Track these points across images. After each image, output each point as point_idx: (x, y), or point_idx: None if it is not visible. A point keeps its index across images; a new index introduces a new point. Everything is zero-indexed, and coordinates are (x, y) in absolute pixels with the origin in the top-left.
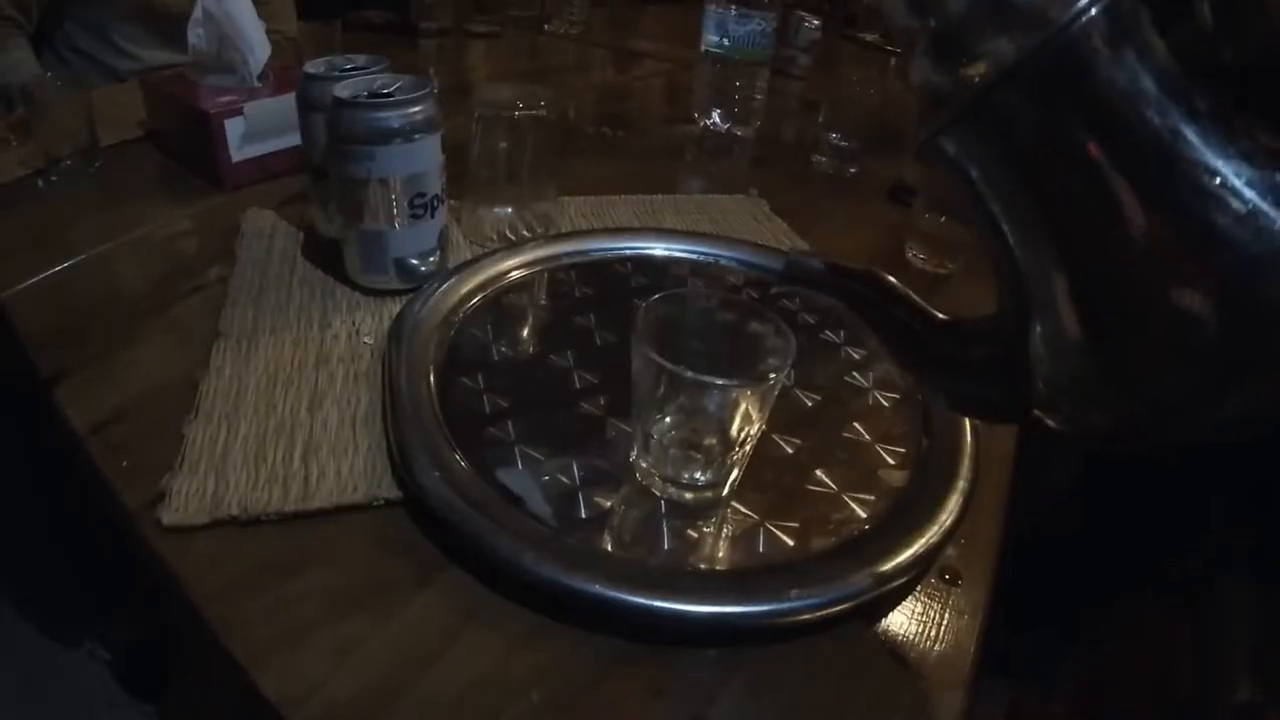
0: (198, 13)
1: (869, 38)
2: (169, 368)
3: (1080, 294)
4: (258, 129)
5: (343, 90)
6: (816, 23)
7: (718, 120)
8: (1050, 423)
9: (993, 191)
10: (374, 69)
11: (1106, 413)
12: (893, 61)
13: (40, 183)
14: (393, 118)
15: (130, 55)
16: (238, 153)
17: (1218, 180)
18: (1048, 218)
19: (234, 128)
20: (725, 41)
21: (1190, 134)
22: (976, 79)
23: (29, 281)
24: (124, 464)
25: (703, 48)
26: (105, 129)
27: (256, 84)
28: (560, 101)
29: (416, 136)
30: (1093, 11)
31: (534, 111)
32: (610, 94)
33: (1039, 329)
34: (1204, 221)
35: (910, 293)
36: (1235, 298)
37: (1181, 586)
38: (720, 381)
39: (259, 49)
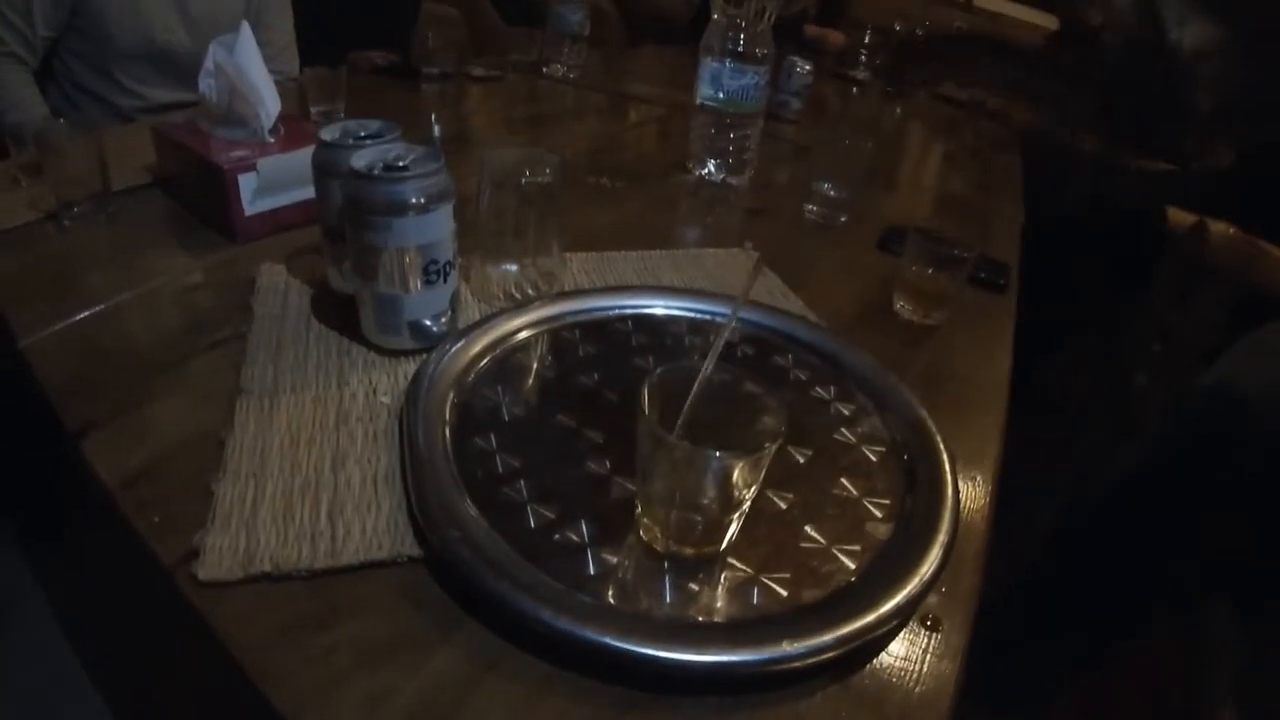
0: (209, 64)
1: (860, 75)
2: (192, 423)
3: None
4: (270, 184)
5: (359, 161)
6: (809, 68)
7: (712, 170)
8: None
9: None
10: (388, 137)
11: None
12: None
13: (53, 228)
14: (409, 190)
15: (134, 93)
16: (250, 207)
17: None
18: None
19: (246, 183)
20: (720, 94)
21: None
22: None
23: (49, 330)
24: (156, 520)
25: (697, 100)
26: (115, 173)
27: (267, 138)
28: (561, 150)
29: (431, 207)
30: None
31: (540, 179)
32: (608, 142)
33: None
34: None
35: None
36: None
37: (1170, 618)
38: (718, 453)
39: (270, 103)
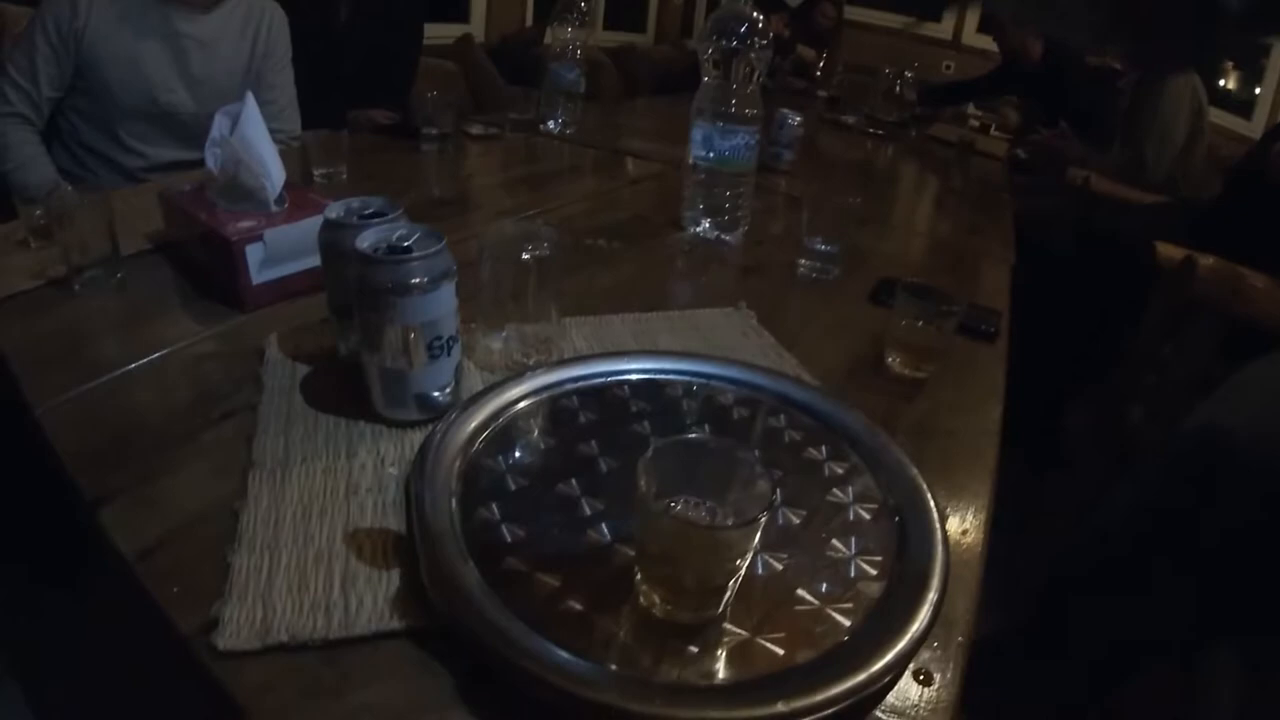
0: (215, 134)
1: (849, 120)
2: (207, 495)
3: None
4: (276, 254)
5: (364, 242)
6: (799, 119)
7: (706, 228)
8: None
9: None
10: (391, 215)
11: None
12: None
13: (63, 293)
14: (413, 271)
15: (138, 152)
16: (257, 276)
17: None
18: None
19: (254, 253)
20: (712, 155)
21: None
22: None
23: (62, 397)
24: (175, 590)
25: (690, 160)
26: (123, 237)
27: (273, 208)
28: (558, 208)
29: (434, 287)
30: None
31: (538, 252)
32: (604, 200)
33: None
34: None
35: None
36: None
37: (1170, 657)
38: (714, 527)
39: (275, 174)
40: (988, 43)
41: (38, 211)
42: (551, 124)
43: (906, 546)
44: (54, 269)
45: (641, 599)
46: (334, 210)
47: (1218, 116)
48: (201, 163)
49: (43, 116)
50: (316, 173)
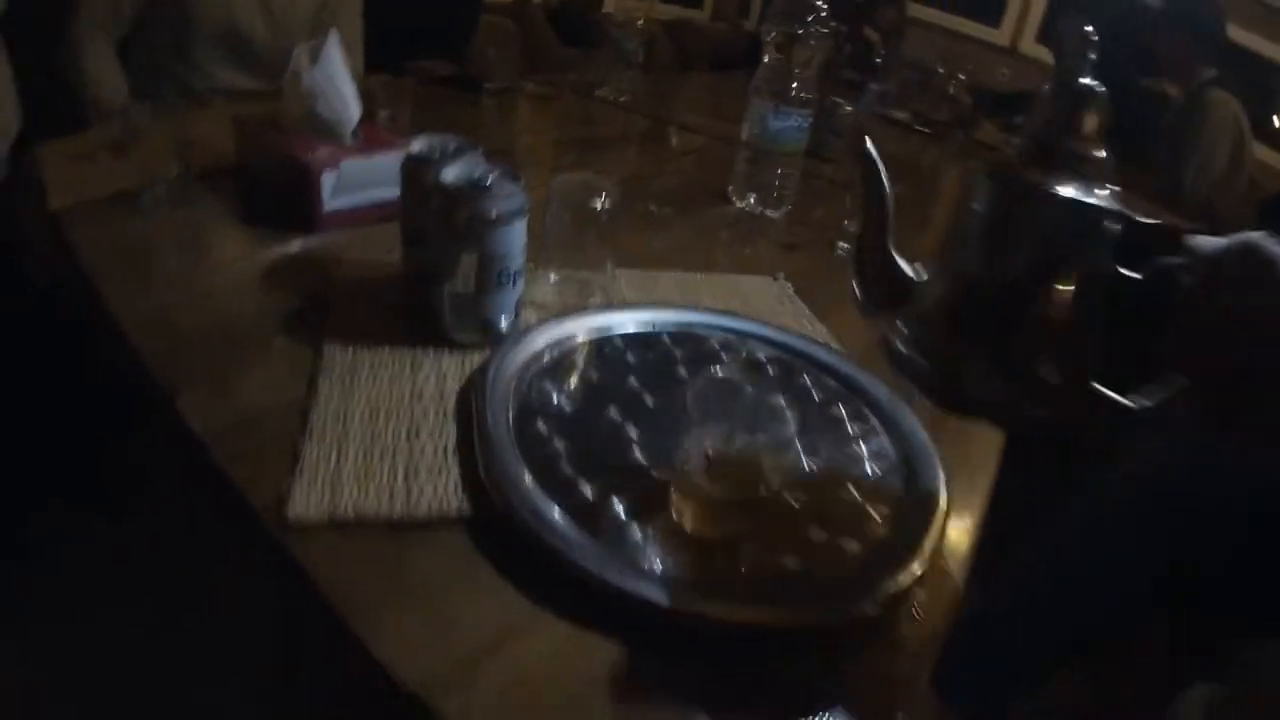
0: (294, 65)
1: (899, 115)
2: (276, 395)
3: None
4: (349, 184)
5: (448, 176)
6: (850, 108)
7: (752, 203)
8: None
9: None
10: (470, 153)
11: None
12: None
13: (134, 206)
14: (492, 206)
15: (207, 74)
16: (329, 204)
17: None
18: None
19: (328, 180)
20: (765, 134)
21: None
22: None
23: (133, 306)
24: (246, 470)
25: (744, 136)
26: (195, 156)
27: (349, 140)
28: (612, 172)
29: (508, 222)
30: None
31: (600, 204)
32: (656, 168)
33: None
34: None
35: None
36: None
37: (1161, 625)
38: (744, 443)
39: (353, 108)
40: (1044, 54)
41: (113, 126)
42: (608, 89)
43: (913, 498)
44: (127, 182)
45: (674, 514)
46: (418, 145)
47: (1269, 155)
48: (266, 94)
49: (121, 33)
50: (381, 114)
